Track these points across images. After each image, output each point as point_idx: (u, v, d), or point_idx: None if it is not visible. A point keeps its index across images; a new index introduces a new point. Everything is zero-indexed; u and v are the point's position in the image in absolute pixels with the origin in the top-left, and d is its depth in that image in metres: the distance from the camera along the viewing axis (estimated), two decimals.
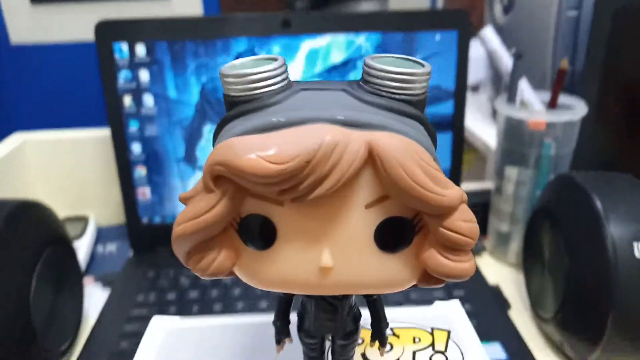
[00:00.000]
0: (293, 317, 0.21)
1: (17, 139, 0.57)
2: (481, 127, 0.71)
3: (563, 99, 0.49)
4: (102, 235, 0.60)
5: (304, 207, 0.15)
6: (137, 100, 0.50)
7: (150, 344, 0.26)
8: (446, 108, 0.52)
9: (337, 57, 0.50)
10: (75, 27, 1.10)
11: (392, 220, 0.16)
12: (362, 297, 0.21)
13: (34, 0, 1.10)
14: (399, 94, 0.16)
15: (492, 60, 0.51)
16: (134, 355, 0.40)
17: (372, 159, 0.15)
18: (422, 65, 0.17)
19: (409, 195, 0.15)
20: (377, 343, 0.21)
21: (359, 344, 0.24)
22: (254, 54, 0.50)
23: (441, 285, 0.17)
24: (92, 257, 0.56)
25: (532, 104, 0.48)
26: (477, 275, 0.50)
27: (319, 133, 0.14)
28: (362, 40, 0.50)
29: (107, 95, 0.50)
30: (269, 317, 0.22)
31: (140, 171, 0.52)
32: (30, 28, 1.10)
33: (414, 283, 0.17)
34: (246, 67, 0.17)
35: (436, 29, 0.49)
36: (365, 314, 0.21)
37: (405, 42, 0.50)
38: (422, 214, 0.16)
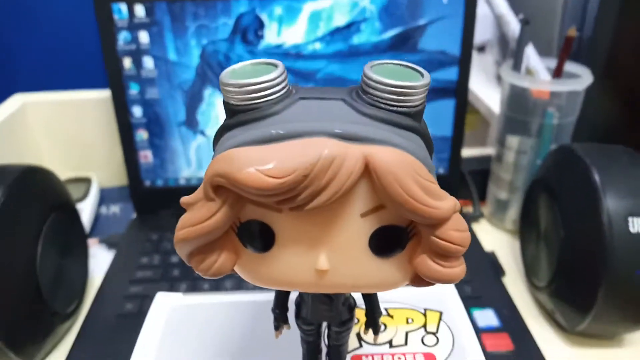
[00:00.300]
0: (291, 305, 0.22)
1: (17, 100, 0.57)
2: (485, 90, 0.70)
3: (569, 66, 0.48)
4: (105, 197, 0.61)
5: (302, 215, 0.15)
6: (137, 63, 0.50)
7: (155, 321, 0.27)
8: (450, 74, 0.51)
9: (340, 19, 0.49)
10: None
11: (387, 227, 0.16)
12: None
13: None
14: (397, 106, 0.16)
15: (499, 25, 0.50)
16: (139, 316, 0.42)
17: (368, 172, 0.15)
18: (422, 75, 0.17)
19: (404, 208, 0.15)
20: (370, 331, 0.22)
21: (355, 323, 0.25)
22: (255, 16, 0.48)
23: (433, 285, 0.17)
24: (96, 218, 0.57)
25: (538, 71, 0.48)
26: (474, 241, 0.51)
27: (317, 147, 0.14)
28: (367, 2, 0.49)
29: (107, 57, 0.49)
30: (271, 294, 0.23)
31: (142, 134, 0.52)
32: None
33: (406, 284, 0.18)
34: (246, 74, 0.17)
35: None
36: (360, 300, 0.22)
37: (410, 5, 0.49)
38: (416, 223, 0.16)
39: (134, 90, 0.51)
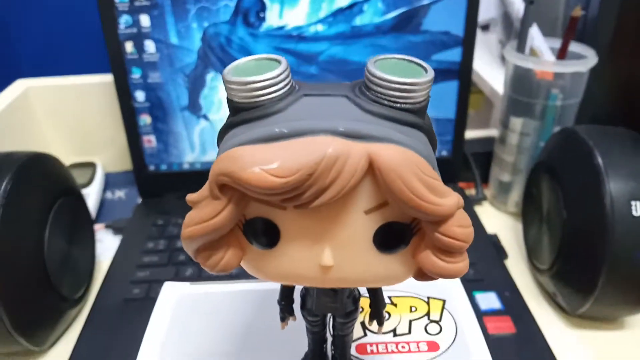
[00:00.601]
0: (296, 296, 0.23)
1: (20, 85, 0.57)
2: (489, 70, 0.69)
3: (573, 47, 0.47)
4: (110, 182, 0.61)
5: (306, 212, 0.16)
6: (139, 46, 0.49)
7: (162, 310, 0.28)
8: (454, 55, 0.51)
9: (342, 0, 0.49)
10: None
11: (391, 224, 0.16)
12: None
13: None
14: (400, 102, 0.16)
15: (503, 4, 0.49)
16: (146, 300, 0.42)
17: (372, 169, 0.15)
18: (425, 70, 0.17)
19: (407, 206, 0.15)
20: (375, 322, 0.23)
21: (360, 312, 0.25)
22: None
23: (436, 279, 0.18)
24: (102, 203, 0.58)
25: (542, 52, 0.47)
26: (476, 224, 0.51)
27: (321, 146, 0.14)
28: None
29: (108, 41, 0.49)
30: (277, 284, 0.23)
31: (145, 119, 0.52)
32: None
33: (409, 278, 0.18)
34: (249, 71, 0.17)
35: None
36: (364, 291, 0.22)
37: None
38: (419, 219, 0.16)
39: (136, 74, 0.50)
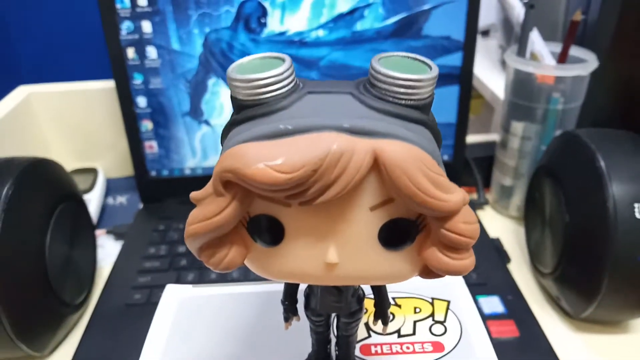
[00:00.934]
0: (300, 296, 0.23)
1: (21, 92, 0.57)
2: (490, 75, 0.69)
3: (574, 51, 0.47)
4: (111, 187, 0.61)
5: (311, 209, 0.16)
6: (141, 52, 0.50)
7: (165, 313, 0.28)
8: (454, 60, 0.51)
9: (343, 5, 0.49)
10: None
11: (396, 220, 0.16)
12: None
13: None
14: (405, 99, 0.16)
15: (503, 9, 0.50)
16: (148, 306, 0.42)
17: (377, 165, 0.15)
18: (430, 67, 0.17)
19: (413, 202, 0.15)
20: (379, 322, 0.23)
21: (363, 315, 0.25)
22: (257, 3, 0.48)
23: (442, 277, 0.17)
24: (103, 209, 0.58)
25: (543, 56, 0.47)
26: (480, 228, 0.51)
27: (326, 142, 0.14)
28: None
29: (110, 47, 0.49)
30: (281, 285, 0.23)
31: (147, 125, 0.52)
32: None
33: (415, 276, 0.18)
34: (253, 69, 0.17)
35: None
36: (368, 291, 0.22)
37: None
38: (425, 215, 0.16)
39: (137, 80, 0.51)
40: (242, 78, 0.16)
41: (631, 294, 0.37)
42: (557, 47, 0.48)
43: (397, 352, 0.23)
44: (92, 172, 0.59)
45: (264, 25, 0.49)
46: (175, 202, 0.56)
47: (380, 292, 0.22)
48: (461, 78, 0.51)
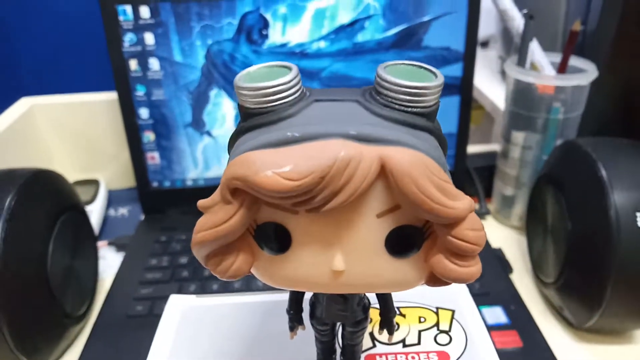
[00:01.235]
0: (305, 305, 0.22)
1: (24, 104, 0.57)
2: (489, 85, 0.70)
3: (573, 61, 0.48)
4: (113, 199, 0.61)
5: (318, 216, 0.16)
6: (143, 64, 0.50)
7: (169, 323, 0.28)
8: (455, 70, 0.51)
9: (344, 17, 0.49)
10: None
11: (403, 228, 0.16)
12: None
13: None
14: (411, 107, 0.16)
15: (502, 20, 0.50)
16: (150, 317, 0.42)
17: (384, 173, 0.15)
18: (435, 75, 0.17)
19: (420, 209, 0.15)
20: (385, 331, 0.23)
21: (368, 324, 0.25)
22: (259, 15, 0.49)
23: (448, 284, 0.17)
24: (105, 220, 0.58)
25: (543, 66, 0.48)
26: None
27: (333, 149, 0.15)
28: None
29: (113, 59, 0.50)
30: (285, 295, 0.23)
31: (149, 136, 0.53)
32: None
33: (421, 284, 0.18)
34: (261, 78, 0.17)
35: None
36: (374, 300, 0.22)
37: (414, 1, 0.49)
38: (432, 222, 0.16)
39: (140, 91, 0.51)
40: (250, 87, 0.17)
41: (635, 302, 0.36)
42: (557, 58, 0.49)
43: None
44: (94, 183, 0.60)
45: (266, 36, 0.49)
46: (177, 213, 0.56)
47: (385, 301, 0.22)
48: (461, 88, 0.52)
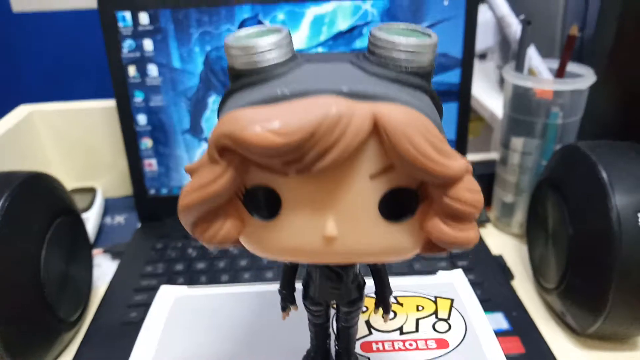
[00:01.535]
0: (298, 286, 0.22)
1: (22, 111, 0.57)
2: (488, 96, 0.70)
3: (571, 67, 0.48)
4: (110, 207, 0.61)
5: (308, 178, 0.15)
6: (142, 70, 0.50)
7: (158, 311, 0.27)
8: (453, 77, 0.51)
9: (342, 23, 0.50)
10: None
11: (397, 190, 0.16)
12: (367, 266, 0.21)
13: None
14: (406, 65, 0.16)
15: (500, 27, 0.50)
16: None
17: (377, 130, 0.15)
18: (429, 36, 0.17)
19: (414, 167, 0.15)
20: (380, 310, 0.22)
21: (363, 312, 0.24)
22: (258, 21, 0.49)
23: (444, 254, 0.17)
24: (101, 228, 0.57)
25: (541, 72, 0.48)
26: (481, 245, 0.50)
27: (324, 105, 0.14)
28: (369, 5, 0.49)
29: (112, 66, 0.50)
30: (275, 286, 0.22)
31: (147, 143, 0.52)
32: None
33: (417, 252, 0.17)
34: (251, 38, 0.17)
35: None
36: (370, 283, 0.21)
37: (412, 7, 0.49)
38: (427, 184, 0.16)
39: (138, 98, 0.51)
40: (240, 45, 0.16)
41: (638, 307, 0.36)
42: (555, 64, 0.49)
43: (400, 349, 0.22)
44: (91, 191, 0.59)
45: None
46: (174, 221, 0.55)
47: (380, 278, 0.21)
48: (460, 95, 0.52)
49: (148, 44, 0.49)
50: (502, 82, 0.68)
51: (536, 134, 0.48)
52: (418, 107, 0.15)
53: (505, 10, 0.48)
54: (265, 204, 0.16)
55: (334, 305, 0.22)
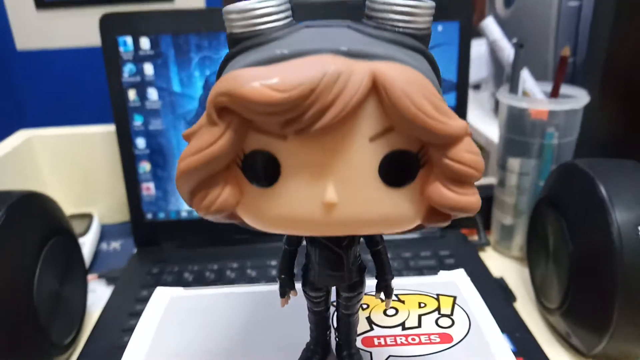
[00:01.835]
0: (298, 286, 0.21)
1: (21, 135, 0.57)
2: (483, 122, 0.71)
3: (565, 89, 0.49)
4: (106, 233, 0.60)
5: (308, 141, 0.15)
6: (142, 94, 0.51)
7: (153, 311, 0.26)
8: (448, 100, 0.52)
9: None
10: (81, 32, 1.10)
11: (397, 154, 0.16)
12: (367, 248, 0.21)
13: (40, 5, 1.11)
14: (403, 27, 0.16)
15: (493, 52, 0.51)
16: None
17: (376, 89, 0.15)
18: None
19: (414, 124, 0.15)
20: (382, 295, 0.21)
21: (363, 309, 0.24)
22: None
23: (447, 223, 0.17)
24: (96, 254, 0.56)
25: (534, 93, 0.48)
26: (482, 268, 0.50)
27: (323, 63, 0.14)
28: None
29: (112, 90, 0.50)
30: (272, 286, 0.22)
31: (145, 166, 0.52)
32: (36, 34, 1.11)
33: (419, 222, 0.17)
34: (250, 4, 0.17)
35: (438, 20, 0.49)
36: (371, 273, 0.21)
37: None
38: (427, 146, 0.16)
39: (138, 121, 0.51)
40: (238, 9, 0.16)
41: None
42: (548, 87, 0.50)
43: (402, 344, 0.22)
44: (87, 217, 0.59)
45: None
46: (171, 246, 0.55)
47: (380, 259, 0.21)
48: None
49: (148, 68, 0.50)
50: (496, 109, 0.70)
51: (533, 154, 0.48)
52: (416, 67, 0.15)
53: (497, 34, 0.49)
54: (263, 171, 0.16)
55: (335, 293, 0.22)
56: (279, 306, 0.21)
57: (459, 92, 0.51)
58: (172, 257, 0.53)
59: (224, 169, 0.16)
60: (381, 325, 0.23)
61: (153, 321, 0.26)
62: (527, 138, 0.48)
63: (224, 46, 0.49)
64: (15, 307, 0.35)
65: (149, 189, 0.53)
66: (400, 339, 0.22)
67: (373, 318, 0.24)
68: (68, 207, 0.59)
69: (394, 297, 0.24)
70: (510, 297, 0.47)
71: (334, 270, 0.19)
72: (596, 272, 0.36)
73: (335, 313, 0.22)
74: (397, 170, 0.16)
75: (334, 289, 0.21)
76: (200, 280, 0.48)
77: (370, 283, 0.21)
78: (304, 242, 0.21)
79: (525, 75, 0.48)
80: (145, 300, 0.46)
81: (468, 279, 0.27)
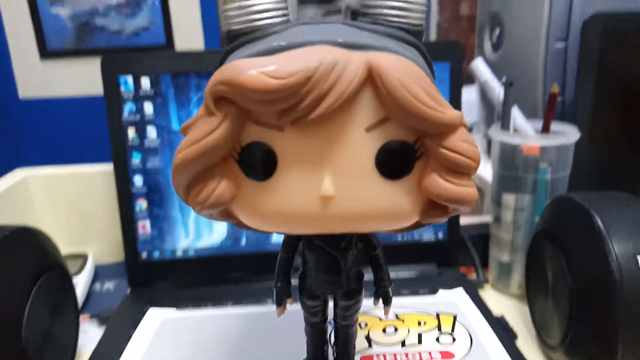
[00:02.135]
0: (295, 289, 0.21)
1: (17, 174, 0.57)
2: None
3: (555, 126, 0.50)
4: (100, 274, 0.60)
5: (304, 132, 0.15)
6: (141, 133, 0.51)
7: (145, 330, 0.26)
8: None
9: None
10: (82, 81, 1.13)
11: (393, 145, 0.16)
12: (364, 254, 0.21)
13: (44, 55, 1.14)
14: (397, 22, 0.17)
15: (484, 93, 0.53)
16: None
17: (372, 79, 0.15)
18: None
19: (410, 113, 0.15)
20: (380, 302, 0.21)
21: (362, 328, 0.23)
22: None
23: (445, 217, 0.17)
24: (89, 295, 0.55)
25: (525, 130, 0.50)
26: (482, 306, 0.49)
27: (320, 52, 0.15)
28: None
29: (112, 128, 0.51)
30: (265, 307, 0.21)
31: (142, 204, 0.52)
32: (38, 82, 1.13)
33: (417, 217, 0.17)
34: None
35: None
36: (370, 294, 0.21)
37: None
38: (423, 138, 0.16)
39: (136, 159, 0.52)
40: (237, 5, 0.17)
41: None
42: (539, 124, 0.51)
43: None
44: (82, 257, 0.58)
45: None
46: (165, 285, 0.54)
47: (379, 265, 0.20)
48: None
49: (148, 107, 0.51)
50: (489, 150, 0.71)
51: (527, 189, 0.49)
52: (411, 58, 0.16)
53: (487, 75, 0.50)
54: (260, 164, 0.16)
55: (332, 302, 0.21)
56: (273, 325, 0.21)
57: None
58: (165, 297, 0.51)
59: (220, 163, 0.16)
60: (380, 342, 0.23)
61: (144, 341, 0.25)
62: (520, 174, 0.48)
63: None
64: (3, 342, 0.34)
65: (144, 227, 0.53)
66: (401, 356, 0.22)
67: (372, 336, 0.23)
68: (63, 247, 0.58)
69: (393, 317, 0.23)
70: (511, 335, 0.46)
71: (331, 275, 0.19)
72: (597, 304, 0.36)
73: (333, 328, 0.21)
74: (393, 162, 0.16)
75: (331, 303, 0.21)
76: None
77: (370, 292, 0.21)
78: (301, 247, 0.21)
79: (516, 113, 0.50)
80: None
81: (467, 297, 0.26)
